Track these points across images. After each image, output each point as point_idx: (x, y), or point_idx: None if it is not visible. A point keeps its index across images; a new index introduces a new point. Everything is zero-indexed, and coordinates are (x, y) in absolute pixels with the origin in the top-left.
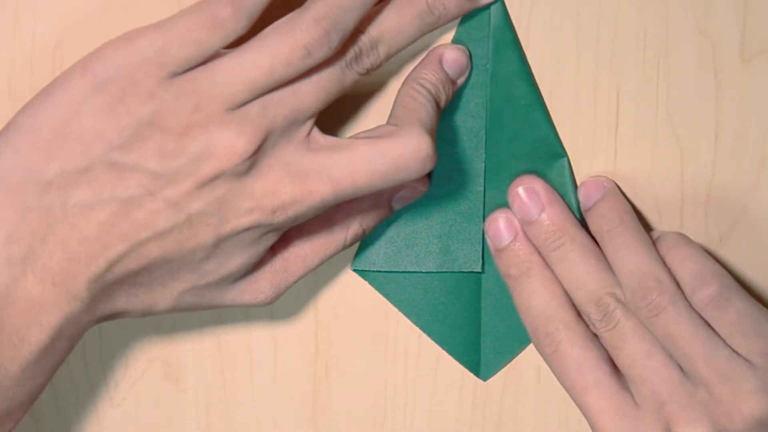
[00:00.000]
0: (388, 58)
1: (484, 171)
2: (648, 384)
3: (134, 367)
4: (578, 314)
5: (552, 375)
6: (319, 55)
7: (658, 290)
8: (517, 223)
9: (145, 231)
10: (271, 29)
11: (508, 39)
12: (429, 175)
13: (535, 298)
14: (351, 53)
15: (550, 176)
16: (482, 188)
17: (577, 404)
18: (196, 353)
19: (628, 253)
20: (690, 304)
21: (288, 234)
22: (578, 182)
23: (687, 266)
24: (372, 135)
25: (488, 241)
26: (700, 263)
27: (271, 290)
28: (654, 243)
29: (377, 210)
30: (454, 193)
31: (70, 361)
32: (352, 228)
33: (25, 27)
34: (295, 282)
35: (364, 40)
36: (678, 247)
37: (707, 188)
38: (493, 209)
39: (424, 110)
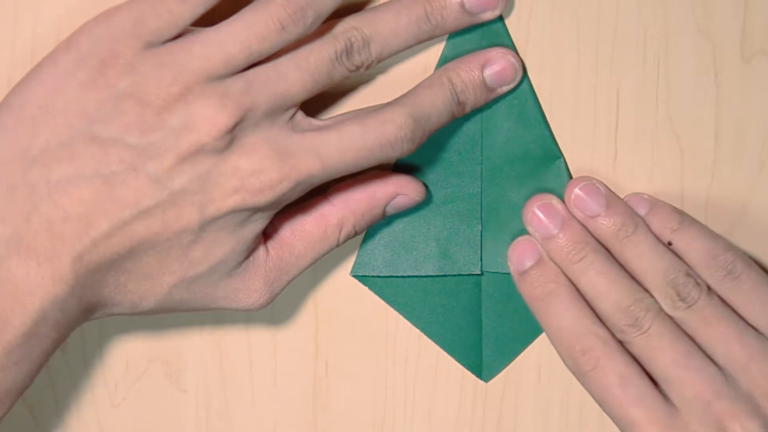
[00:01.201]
0: (379, 59)
1: (481, 173)
2: (691, 385)
3: (134, 367)
4: (608, 328)
5: (552, 375)
6: (293, 30)
7: (692, 284)
8: (538, 246)
9: (128, 209)
10: (249, 6)
11: (503, 39)
12: (426, 186)
13: (566, 316)
14: (342, 47)
15: (547, 177)
16: (479, 191)
17: (619, 419)
18: (196, 353)
19: (654, 255)
20: (717, 294)
21: (282, 233)
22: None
23: (698, 245)
24: (360, 113)
25: (510, 267)
26: (711, 241)
27: (265, 289)
28: (649, 217)
29: (371, 212)
30: (452, 196)
31: (70, 362)
32: (345, 228)
33: (25, 27)
34: (288, 282)
35: (356, 36)
36: (684, 229)
37: (707, 188)
38: (490, 211)
39: (429, 99)
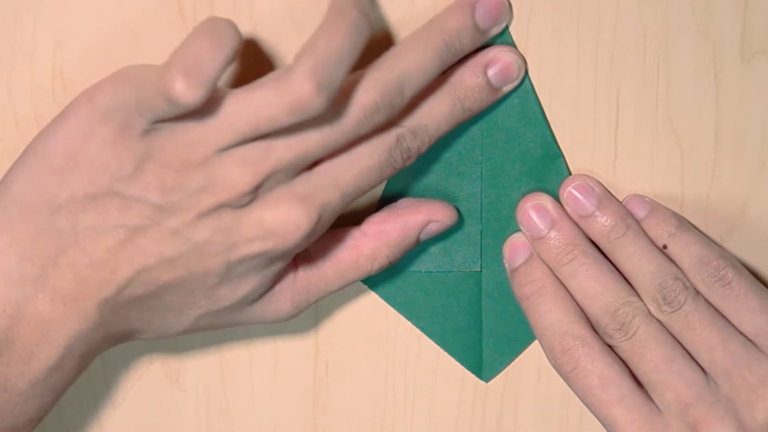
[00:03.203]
0: (409, 101)
1: (481, 173)
2: (671, 388)
3: (134, 367)
4: (593, 329)
5: (552, 375)
6: (305, 114)
7: (679, 287)
8: (530, 245)
9: (152, 258)
10: (267, 78)
11: (504, 38)
12: (458, 210)
13: (549, 317)
14: (372, 104)
15: (547, 177)
16: (479, 189)
17: (602, 419)
18: (196, 353)
19: (643, 258)
20: (704, 298)
21: (314, 257)
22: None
23: (692, 250)
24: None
25: (504, 263)
26: (706, 248)
27: (290, 308)
28: (647, 219)
29: (404, 242)
30: (452, 196)
31: None
32: (379, 259)
33: (25, 27)
34: (314, 303)
35: (389, 90)
36: (681, 234)
37: (707, 188)
38: (490, 211)
39: (426, 109)
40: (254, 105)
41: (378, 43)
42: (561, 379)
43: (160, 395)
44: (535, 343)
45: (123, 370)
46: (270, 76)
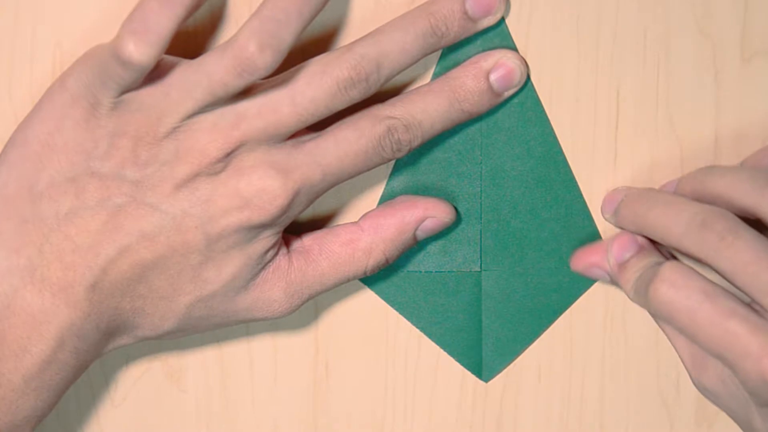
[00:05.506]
0: (387, 80)
1: (481, 173)
2: None
3: (134, 367)
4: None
5: (552, 375)
6: (253, 74)
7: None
8: (637, 238)
9: (131, 235)
10: (216, 47)
11: (505, 38)
12: (458, 211)
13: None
14: (347, 76)
15: (547, 177)
16: (479, 189)
17: (713, 339)
18: (197, 354)
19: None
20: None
21: (310, 249)
22: (586, 195)
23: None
24: (354, 117)
25: (610, 258)
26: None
27: (284, 300)
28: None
29: (401, 237)
30: (452, 196)
31: None
32: (374, 254)
33: (25, 27)
34: (310, 298)
35: (364, 64)
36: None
37: None
38: (490, 211)
39: (421, 105)
40: (205, 71)
41: None
42: (561, 380)
43: (160, 395)
44: (535, 344)
45: (123, 370)
46: (221, 44)
